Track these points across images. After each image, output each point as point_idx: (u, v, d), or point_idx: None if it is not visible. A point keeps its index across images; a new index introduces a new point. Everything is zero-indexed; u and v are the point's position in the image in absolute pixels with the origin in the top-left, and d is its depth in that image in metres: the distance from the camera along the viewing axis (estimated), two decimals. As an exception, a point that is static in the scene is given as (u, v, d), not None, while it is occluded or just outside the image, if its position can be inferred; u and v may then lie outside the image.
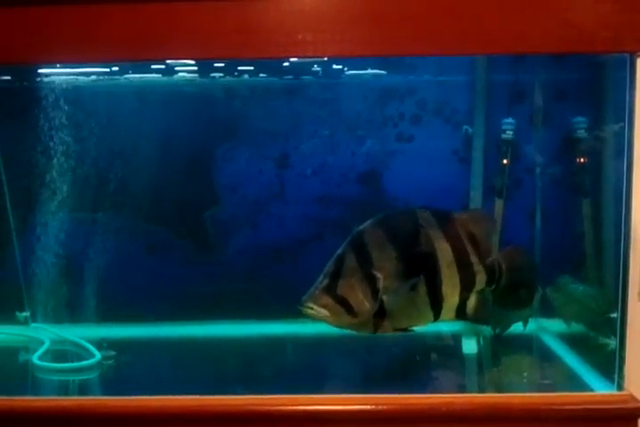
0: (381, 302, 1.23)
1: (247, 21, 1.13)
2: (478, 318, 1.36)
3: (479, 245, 1.32)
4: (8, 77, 1.70)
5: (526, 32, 1.16)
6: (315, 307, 1.21)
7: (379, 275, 1.23)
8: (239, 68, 1.67)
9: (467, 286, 1.31)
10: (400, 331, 1.28)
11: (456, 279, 1.30)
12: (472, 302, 1.33)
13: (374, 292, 1.23)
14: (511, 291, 1.37)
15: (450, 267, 1.29)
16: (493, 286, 1.34)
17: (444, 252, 1.29)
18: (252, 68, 1.67)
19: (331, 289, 1.22)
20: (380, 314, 1.24)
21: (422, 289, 1.27)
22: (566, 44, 1.17)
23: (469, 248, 1.31)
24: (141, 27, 1.14)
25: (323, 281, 1.23)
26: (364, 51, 1.18)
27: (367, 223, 1.28)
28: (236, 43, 1.14)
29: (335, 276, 1.23)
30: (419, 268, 1.26)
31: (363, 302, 1.22)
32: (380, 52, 1.20)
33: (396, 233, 1.27)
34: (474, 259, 1.31)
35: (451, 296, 1.30)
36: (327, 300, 1.22)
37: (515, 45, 1.19)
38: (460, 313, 1.32)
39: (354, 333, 1.27)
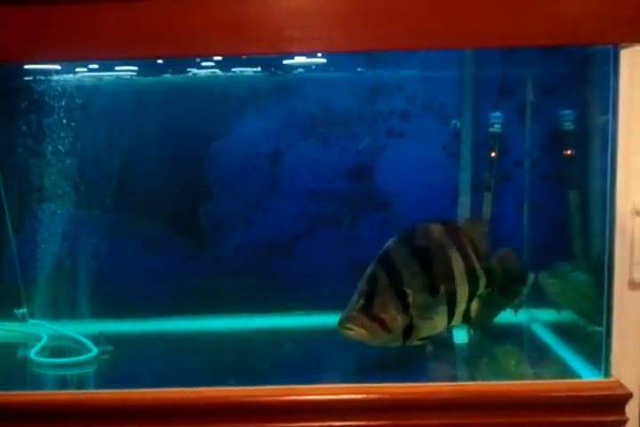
0: (411, 316, 1.29)
1: (234, 18, 1.14)
2: (480, 320, 1.43)
3: (479, 251, 1.39)
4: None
5: (511, 26, 1.17)
6: (354, 327, 1.27)
7: (409, 291, 1.29)
8: (229, 64, 1.69)
9: (473, 291, 1.37)
10: (422, 340, 1.35)
11: (466, 286, 1.36)
12: (474, 305, 1.38)
13: (405, 307, 1.29)
14: (502, 290, 1.43)
15: (462, 275, 1.36)
16: (490, 289, 1.39)
17: (457, 261, 1.35)
18: (240, 64, 1.69)
19: (367, 309, 1.28)
20: (409, 327, 1.30)
21: (442, 299, 1.33)
22: (551, 36, 1.18)
23: (473, 255, 1.38)
24: (130, 25, 1.15)
25: (358, 301, 1.28)
26: (352, 46, 1.19)
27: (391, 242, 1.34)
28: (222, 40, 1.15)
29: (370, 295, 1.28)
30: (440, 279, 1.33)
31: (396, 318, 1.28)
32: (368, 47, 1.20)
33: (418, 249, 1.34)
34: (477, 265, 1.38)
35: (462, 303, 1.36)
36: (365, 319, 1.27)
37: (500, 39, 1.20)
38: (466, 318, 1.38)
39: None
